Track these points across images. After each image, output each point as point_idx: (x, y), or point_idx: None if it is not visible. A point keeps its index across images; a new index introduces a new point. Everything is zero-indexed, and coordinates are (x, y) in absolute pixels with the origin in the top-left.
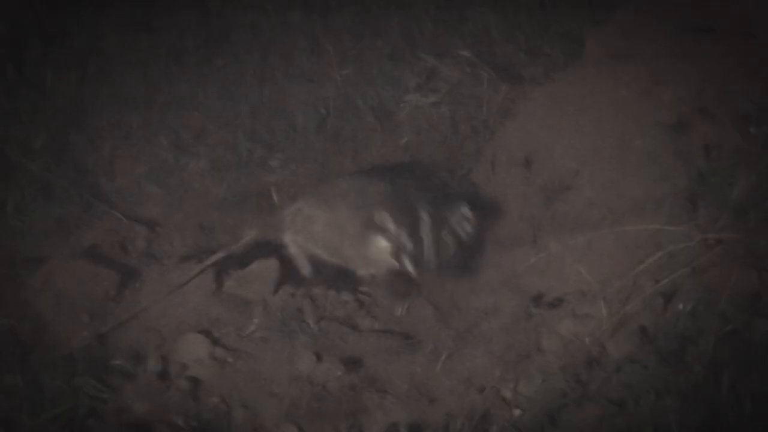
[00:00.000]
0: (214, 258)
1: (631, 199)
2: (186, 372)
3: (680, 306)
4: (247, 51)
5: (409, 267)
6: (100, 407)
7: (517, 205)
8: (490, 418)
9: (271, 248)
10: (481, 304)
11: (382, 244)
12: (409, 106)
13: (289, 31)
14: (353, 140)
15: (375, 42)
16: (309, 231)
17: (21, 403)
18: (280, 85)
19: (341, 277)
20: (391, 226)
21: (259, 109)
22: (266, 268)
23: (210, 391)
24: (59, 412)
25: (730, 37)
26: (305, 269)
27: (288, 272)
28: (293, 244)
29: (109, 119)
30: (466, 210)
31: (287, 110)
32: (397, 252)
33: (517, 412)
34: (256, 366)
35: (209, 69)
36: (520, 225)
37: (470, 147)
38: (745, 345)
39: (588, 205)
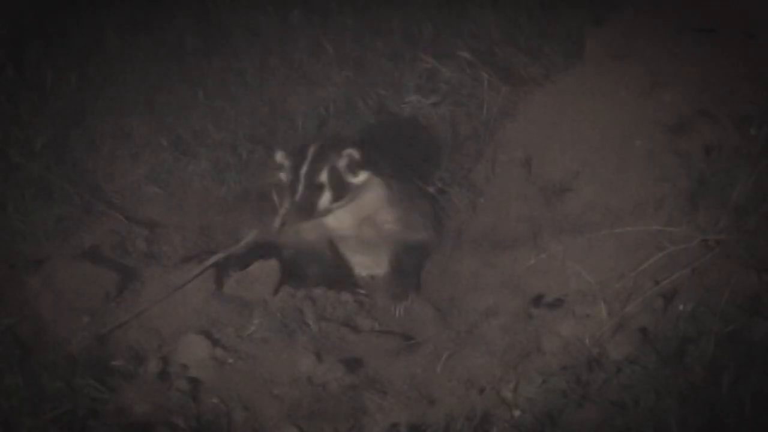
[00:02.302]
0: (214, 259)
1: (631, 200)
2: (186, 373)
3: (680, 307)
4: (247, 51)
5: (281, 207)
6: (100, 408)
7: (517, 205)
8: (491, 419)
9: (271, 249)
10: (481, 305)
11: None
12: (409, 106)
13: (289, 32)
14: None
15: (375, 42)
16: None
17: (21, 403)
18: (280, 85)
19: (340, 278)
20: (285, 162)
21: (259, 109)
22: (266, 268)
23: (210, 392)
24: (59, 412)
25: (730, 37)
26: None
27: (288, 273)
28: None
29: (109, 119)
30: (354, 152)
31: (287, 111)
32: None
33: (517, 412)
34: (256, 367)
35: (209, 69)
36: (520, 225)
37: (470, 147)
38: (745, 346)
39: (588, 205)
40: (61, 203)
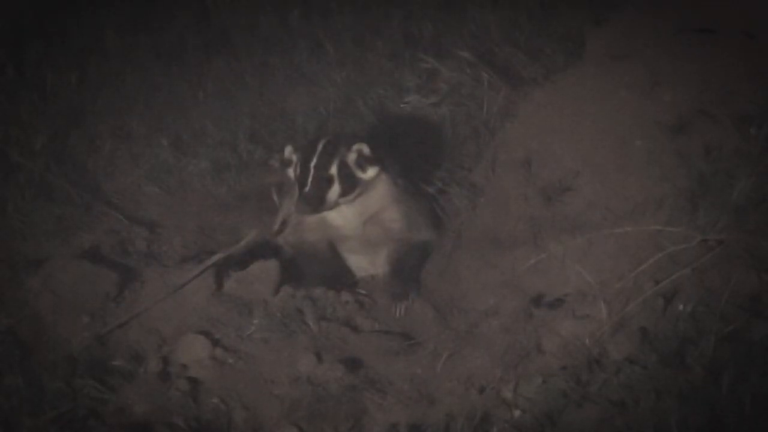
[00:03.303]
0: (214, 259)
1: (631, 200)
2: (186, 373)
3: (680, 307)
4: (247, 51)
5: (289, 200)
6: (100, 408)
7: (517, 205)
8: (491, 419)
9: (272, 249)
10: (481, 305)
11: (290, 175)
12: (409, 106)
13: (289, 32)
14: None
15: (375, 43)
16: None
17: (21, 403)
18: (280, 85)
19: (340, 278)
20: (293, 157)
21: (259, 109)
22: (266, 268)
23: (210, 392)
24: (59, 412)
25: (730, 37)
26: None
27: (288, 273)
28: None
29: (109, 119)
30: (364, 147)
31: (287, 111)
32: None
33: (517, 412)
34: (257, 367)
35: (209, 69)
36: (520, 225)
37: (470, 147)
38: (745, 346)
39: (588, 205)
40: (61, 203)
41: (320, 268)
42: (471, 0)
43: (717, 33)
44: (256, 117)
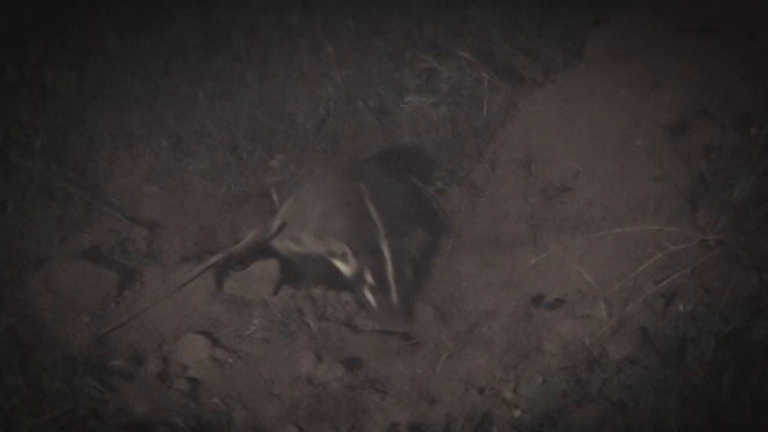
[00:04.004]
0: (214, 259)
1: (632, 200)
2: (186, 373)
3: (680, 307)
4: (247, 51)
5: (372, 302)
6: (100, 408)
7: (517, 205)
8: (491, 419)
9: (271, 249)
10: (481, 305)
11: (344, 267)
12: (409, 106)
13: (289, 32)
14: (353, 141)
15: (375, 42)
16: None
17: (21, 403)
18: (280, 85)
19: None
20: (351, 258)
21: (259, 109)
22: (266, 269)
23: (210, 392)
24: (59, 412)
25: (730, 37)
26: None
27: (288, 273)
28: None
29: (109, 119)
30: (422, 233)
31: (287, 110)
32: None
33: (517, 412)
34: (256, 367)
35: (209, 69)
36: (520, 225)
37: (470, 147)
38: (745, 346)
39: (588, 205)
40: (61, 203)
41: (320, 268)
42: (471, 0)
43: (717, 33)
44: (256, 117)
